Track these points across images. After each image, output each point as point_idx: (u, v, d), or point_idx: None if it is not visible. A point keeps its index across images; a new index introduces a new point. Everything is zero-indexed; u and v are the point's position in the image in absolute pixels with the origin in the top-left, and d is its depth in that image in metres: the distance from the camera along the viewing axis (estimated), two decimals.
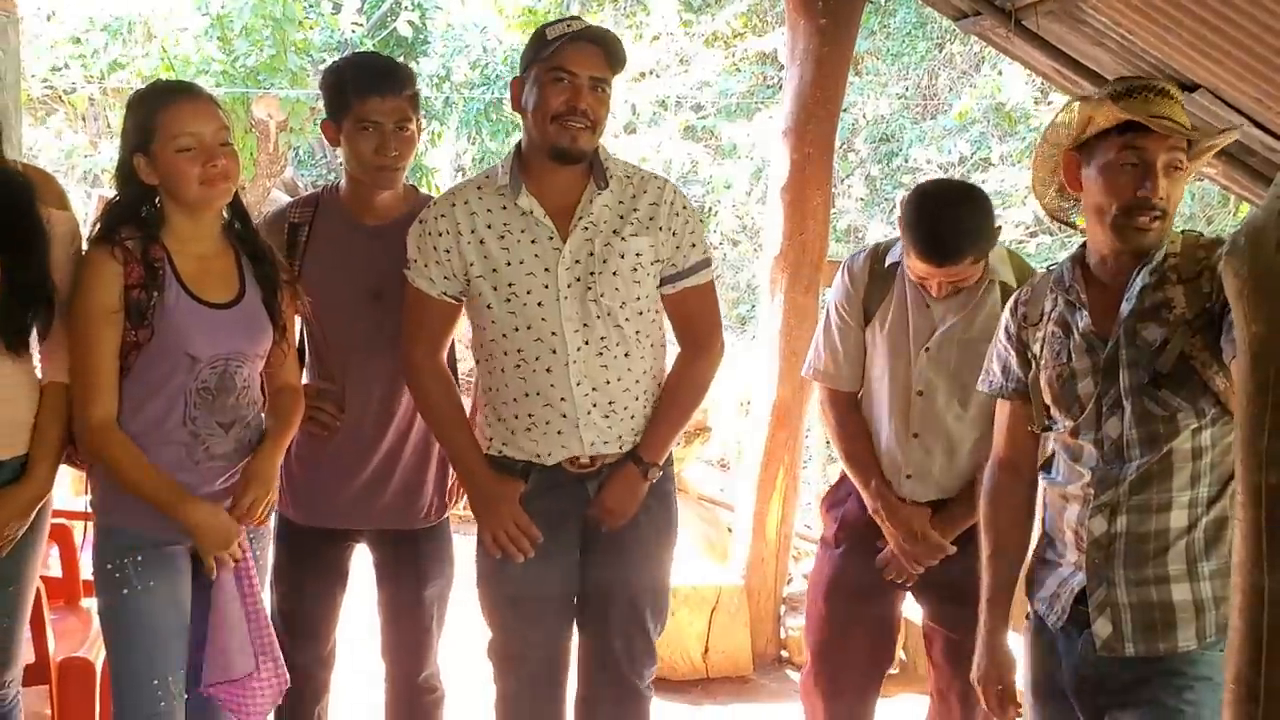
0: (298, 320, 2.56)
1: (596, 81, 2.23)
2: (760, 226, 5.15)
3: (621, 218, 2.32)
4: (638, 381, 2.36)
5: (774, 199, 4.17)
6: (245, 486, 2.21)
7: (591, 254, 2.29)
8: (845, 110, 11.08)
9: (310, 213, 2.54)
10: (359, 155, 2.43)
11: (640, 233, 2.31)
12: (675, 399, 2.42)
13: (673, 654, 3.97)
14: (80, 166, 9.23)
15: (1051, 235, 9.80)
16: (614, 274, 2.29)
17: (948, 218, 2.42)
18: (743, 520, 4.37)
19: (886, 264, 2.62)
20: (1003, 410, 2.19)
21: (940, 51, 11.33)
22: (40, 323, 2.13)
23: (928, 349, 2.53)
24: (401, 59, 9.78)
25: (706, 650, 4.13)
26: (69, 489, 3.85)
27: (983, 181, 10.07)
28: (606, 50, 2.24)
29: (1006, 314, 2.16)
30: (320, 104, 9.14)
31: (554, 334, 2.28)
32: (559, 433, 2.30)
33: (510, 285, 2.27)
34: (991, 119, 10.20)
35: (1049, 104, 9.53)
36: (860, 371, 2.66)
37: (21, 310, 2.09)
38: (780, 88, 4.57)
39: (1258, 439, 1.27)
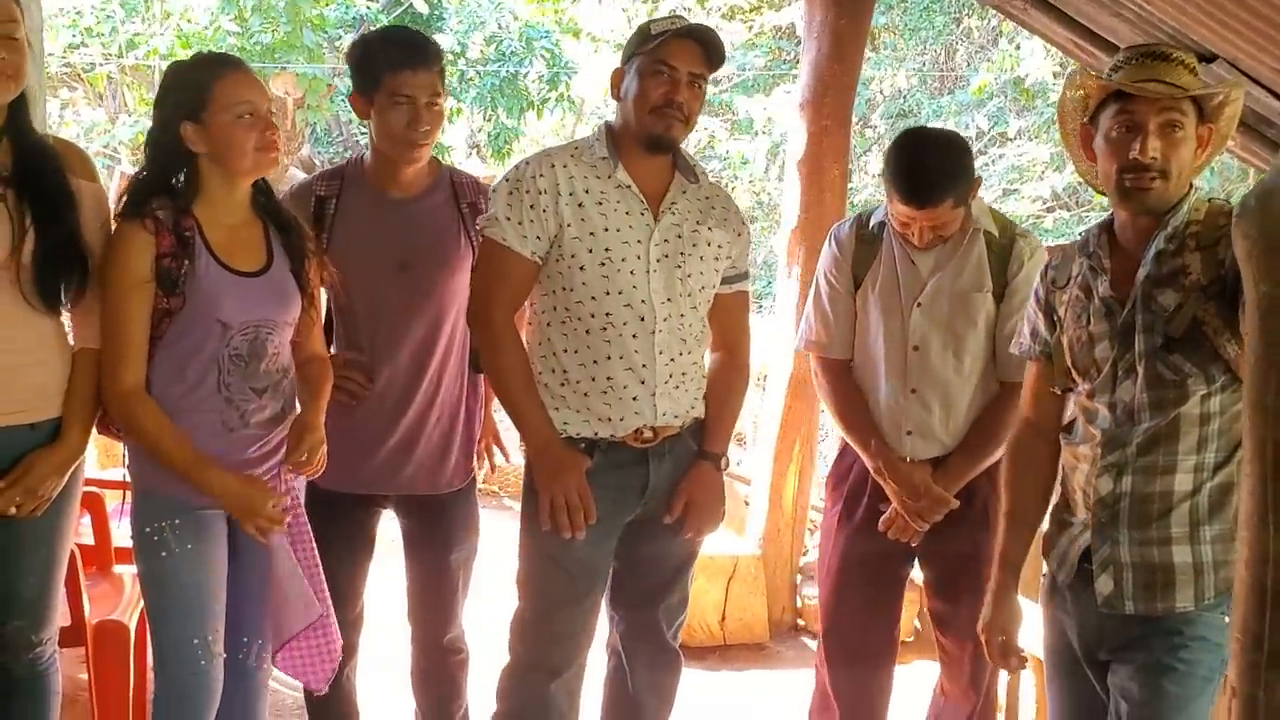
0: (324, 292, 2.61)
1: (695, 77, 2.30)
2: (776, 203, 5.17)
3: (703, 211, 2.43)
4: (696, 363, 2.45)
5: (791, 172, 4.19)
6: (298, 437, 2.26)
7: (680, 237, 2.37)
8: (863, 85, 11.07)
9: (337, 186, 2.58)
10: (391, 129, 2.46)
11: (719, 226, 2.43)
12: (729, 396, 2.52)
13: (690, 621, 4.00)
14: (98, 142, 9.28)
15: (1069, 210, 9.78)
16: (700, 258, 2.39)
17: (928, 162, 2.48)
18: (759, 492, 4.42)
19: (871, 227, 2.67)
20: (1030, 372, 2.24)
21: (958, 26, 11.28)
22: (74, 285, 2.17)
23: (920, 304, 2.58)
24: None
25: (724, 618, 4.20)
26: (98, 459, 3.93)
27: (1000, 156, 10.06)
28: (707, 48, 2.31)
29: (1037, 278, 2.22)
30: (336, 80, 9.12)
31: (643, 302, 2.33)
32: (634, 399, 2.35)
33: (606, 250, 2.32)
34: (1009, 93, 10.15)
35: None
36: (851, 338, 2.70)
37: (54, 271, 2.14)
38: (797, 63, 4.58)
39: (1265, 395, 1.30)
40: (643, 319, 2.33)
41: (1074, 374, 2.09)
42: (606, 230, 2.32)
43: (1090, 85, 1.99)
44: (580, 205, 2.33)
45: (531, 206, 2.31)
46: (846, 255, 2.69)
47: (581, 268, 2.32)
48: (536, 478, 2.36)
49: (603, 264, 2.32)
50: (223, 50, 8.87)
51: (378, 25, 10.26)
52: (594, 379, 2.34)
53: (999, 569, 2.24)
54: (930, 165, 2.48)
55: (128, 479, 2.28)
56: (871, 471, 2.64)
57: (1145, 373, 1.94)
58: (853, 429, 2.68)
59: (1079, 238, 2.15)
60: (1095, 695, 2.08)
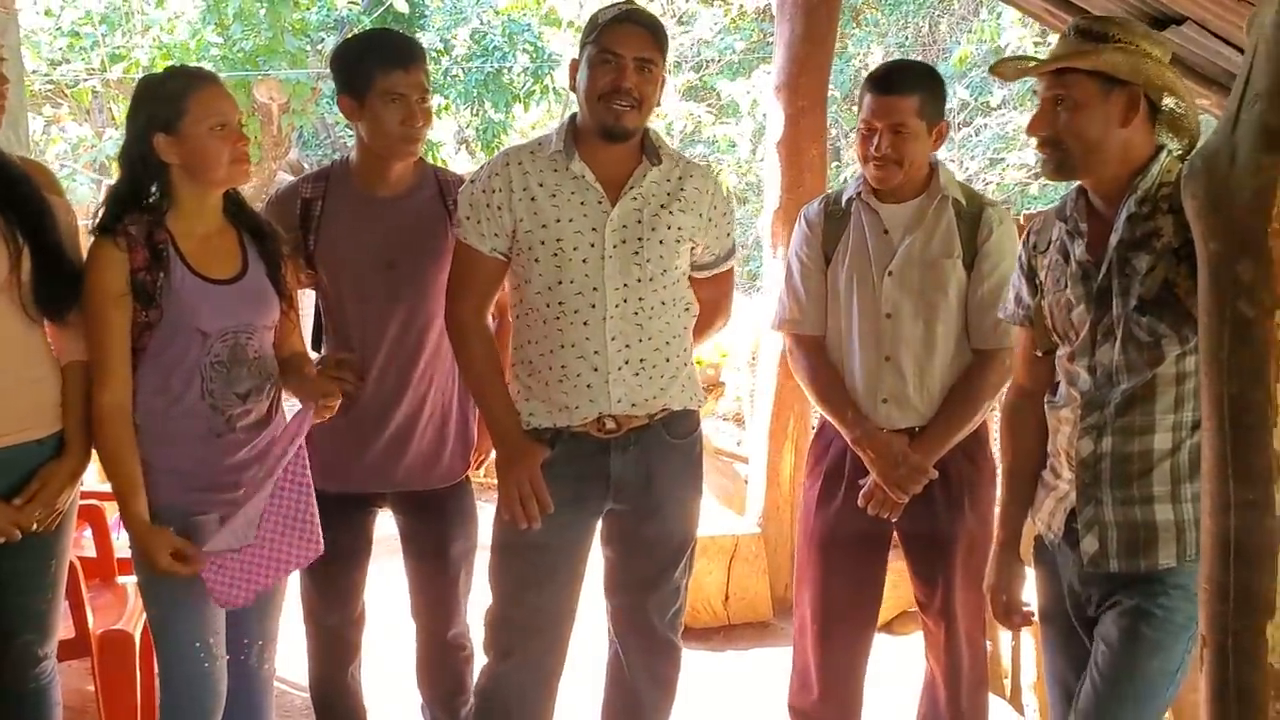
0: (314, 293, 2.65)
1: (643, 62, 2.30)
2: (764, 184, 5.20)
3: (669, 194, 2.43)
4: (668, 344, 2.44)
5: (770, 154, 4.22)
6: (310, 389, 2.37)
7: (640, 221, 2.38)
8: (848, 61, 11.07)
9: (322, 187, 2.61)
10: (385, 128, 2.49)
11: (687, 210, 2.43)
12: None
13: (694, 603, 4.07)
14: (85, 157, 9.31)
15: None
16: (660, 242, 2.39)
17: (900, 63, 2.85)
18: (757, 470, 4.45)
19: (841, 203, 2.71)
20: (1019, 337, 2.27)
21: None
22: (74, 298, 2.21)
23: (890, 272, 2.60)
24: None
25: (727, 598, 4.23)
26: (98, 471, 3.96)
27: (984, 126, 10.07)
28: (653, 31, 2.33)
29: (1020, 247, 2.25)
30: (320, 83, 9.10)
31: (595, 289, 2.36)
32: (588, 386, 2.37)
33: (559, 240, 2.36)
34: (991, 61, 10.16)
35: (1048, 45, 9.48)
36: (824, 315, 2.72)
37: (54, 285, 2.19)
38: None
39: (1218, 350, 1.34)
40: (594, 305, 2.36)
41: (1055, 337, 2.12)
42: (559, 221, 2.36)
43: (1001, 75, 2.09)
44: (533, 199, 2.37)
45: (487, 205, 2.37)
46: (816, 233, 2.72)
47: (536, 260, 2.36)
48: (496, 466, 2.43)
49: (555, 254, 2.35)
50: (205, 60, 8.95)
51: (360, 26, 10.27)
52: (551, 368, 2.38)
53: (1001, 528, 2.29)
54: (901, 65, 2.83)
55: None
56: (850, 443, 2.65)
57: (1122, 334, 1.96)
58: (829, 402, 2.70)
59: (1059, 203, 2.17)
60: (1087, 653, 2.10)
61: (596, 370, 2.37)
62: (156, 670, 2.32)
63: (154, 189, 2.24)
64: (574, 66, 2.39)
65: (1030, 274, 2.18)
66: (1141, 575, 2.00)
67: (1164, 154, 1.98)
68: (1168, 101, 1.93)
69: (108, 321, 2.18)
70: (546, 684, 2.54)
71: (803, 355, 2.76)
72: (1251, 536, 1.34)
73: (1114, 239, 1.97)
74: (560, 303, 2.37)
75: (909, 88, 2.55)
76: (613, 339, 2.37)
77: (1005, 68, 2.05)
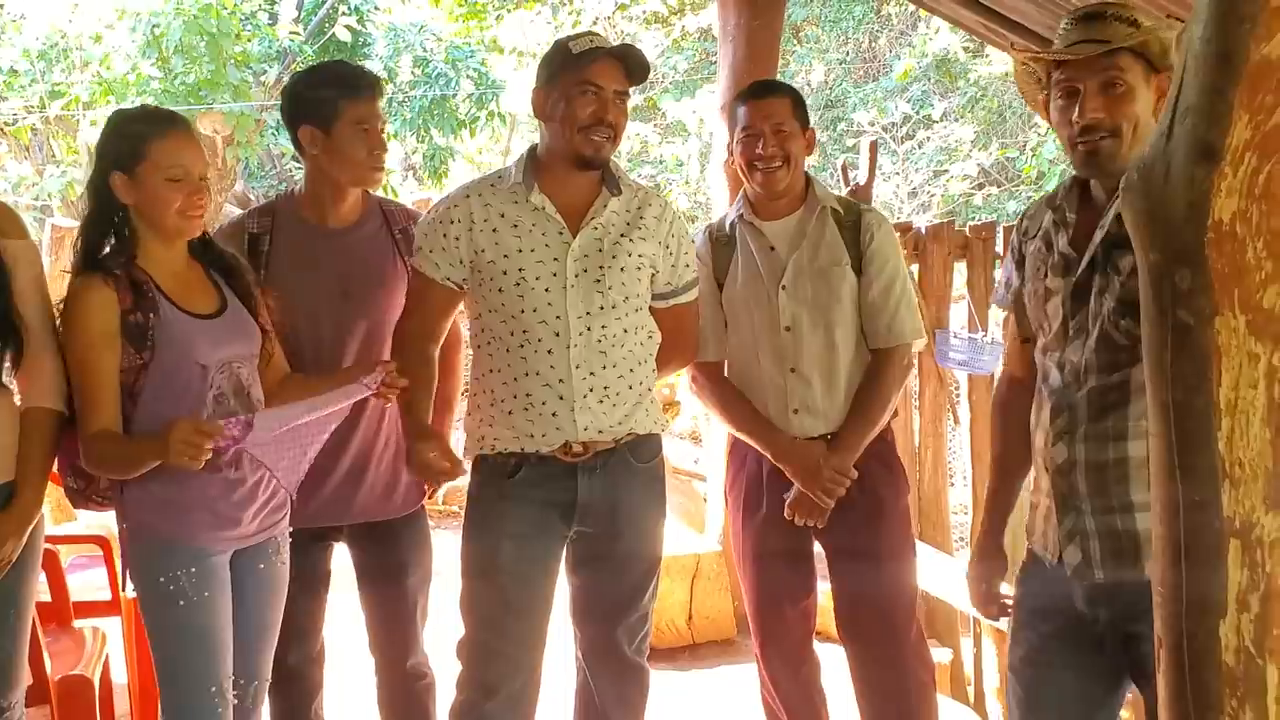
0: None
1: (619, 94, 2.38)
2: (713, 204, 5.25)
3: (629, 223, 2.47)
4: (633, 370, 2.46)
5: (717, 174, 4.26)
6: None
7: (600, 250, 2.42)
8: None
9: (269, 222, 2.60)
10: (352, 158, 2.50)
11: (647, 238, 2.47)
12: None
13: (658, 623, 4.05)
14: (27, 195, 9.18)
15: (999, 186, 9.94)
16: (621, 269, 2.42)
17: (763, 79, 3.00)
18: (716, 488, 4.47)
19: (725, 229, 2.78)
20: (1008, 325, 2.27)
21: (877, 14, 11.44)
22: (12, 351, 2.17)
23: (784, 286, 2.67)
24: None
25: (690, 617, 4.25)
26: (52, 514, 3.90)
27: (927, 139, 10.22)
28: (629, 65, 2.39)
29: (1015, 231, 2.22)
30: (265, 115, 9.04)
31: (558, 318, 2.38)
32: (554, 414, 2.38)
33: (520, 270, 2.38)
34: (933, 76, 10.32)
35: (985, 57, 9.65)
36: (722, 341, 2.77)
37: (6, 333, 2.15)
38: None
39: (1161, 358, 1.37)
40: (558, 334, 2.38)
41: (1033, 326, 2.09)
42: (520, 251, 2.38)
43: (1029, 57, 2.01)
44: (495, 230, 2.39)
45: (444, 235, 2.41)
46: (705, 262, 2.77)
47: (500, 290, 2.39)
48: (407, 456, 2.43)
49: (518, 284, 2.37)
50: (147, 93, 8.87)
51: (303, 57, 10.24)
52: (515, 396, 2.39)
53: (987, 514, 2.27)
54: (766, 79, 3.00)
55: (117, 533, 2.28)
56: (770, 458, 2.69)
57: (1097, 334, 1.92)
58: (741, 422, 2.74)
59: (1051, 190, 2.14)
60: (1081, 677, 2.01)
61: (562, 399, 2.38)
62: (160, 713, 2.27)
63: (119, 224, 2.22)
64: (542, 95, 2.41)
65: (1020, 259, 2.14)
66: (1142, 590, 1.91)
67: None
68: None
69: (98, 361, 2.15)
70: (524, 711, 2.53)
71: (706, 381, 2.79)
72: (1200, 538, 1.37)
73: (1099, 234, 1.93)
74: (524, 331, 2.38)
75: (780, 91, 2.73)
76: (577, 367, 2.38)
77: (1028, 54, 2.00)
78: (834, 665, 2.93)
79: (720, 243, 2.77)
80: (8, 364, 2.20)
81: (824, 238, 2.68)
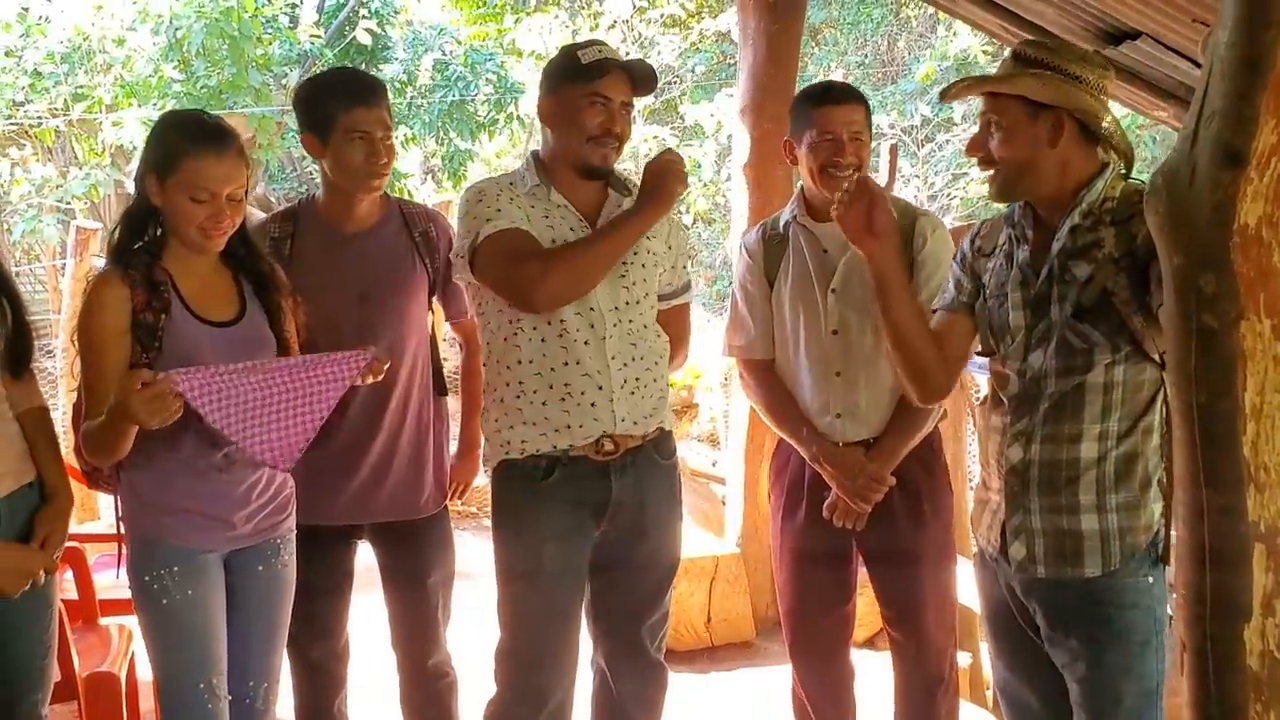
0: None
1: (626, 106, 2.41)
2: (732, 205, 5.27)
3: None
4: (656, 363, 2.50)
5: (737, 177, 4.26)
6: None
7: None
8: (808, 81, 11.17)
9: (290, 227, 2.63)
10: (349, 165, 2.52)
11: (655, 236, 2.49)
12: None
13: (677, 625, 4.07)
14: (51, 197, 9.26)
15: None
16: (642, 266, 2.46)
17: (837, 81, 2.97)
18: (734, 490, 4.47)
19: (782, 226, 2.77)
20: (944, 322, 2.27)
21: (896, 17, 11.43)
22: (31, 353, 2.23)
23: (834, 289, 2.65)
24: (364, 67, 9.82)
25: (709, 619, 4.25)
26: (76, 512, 3.94)
27: (946, 142, 10.20)
28: (635, 77, 2.40)
29: (965, 241, 2.30)
30: (286, 118, 9.11)
31: (592, 309, 2.40)
32: (593, 404, 2.40)
33: None
34: (952, 78, 10.29)
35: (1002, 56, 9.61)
36: (771, 338, 2.78)
37: (24, 344, 2.20)
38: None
39: (1186, 361, 1.38)
40: (593, 326, 2.40)
41: (991, 340, 2.16)
42: (554, 242, 2.39)
43: (952, 98, 2.16)
44: (528, 219, 2.40)
45: (497, 197, 2.40)
46: (758, 260, 2.78)
47: None
48: None
49: None
50: (169, 96, 8.93)
51: (324, 59, 10.29)
52: (551, 387, 2.40)
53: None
54: (840, 82, 2.87)
55: (121, 531, 2.30)
56: (808, 460, 2.69)
57: (1056, 340, 2.01)
58: (784, 423, 2.74)
59: (1008, 210, 2.22)
60: (1041, 658, 2.12)
61: (601, 389, 2.40)
62: (157, 712, 2.30)
63: (153, 222, 2.24)
64: (549, 102, 2.43)
65: (971, 271, 2.23)
66: (1074, 584, 2.02)
67: (1109, 170, 2.03)
68: (1106, 123, 1.99)
69: (106, 357, 2.16)
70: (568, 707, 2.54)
71: (754, 379, 2.80)
72: (1225, 542, 1.37)
73: (1055, 247, 2.02)
74: (562, 321, 2.39)
75: (857, 98, 2.68)
76: (613, 358, 2.41)
77: (948, 91, 2.12)
78: (868, 674, 2.92)
79: (773, 241, 2.76)
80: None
81: None
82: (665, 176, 2.39)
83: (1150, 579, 1.99)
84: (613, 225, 2.39)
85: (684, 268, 2.63)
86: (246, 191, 2.27)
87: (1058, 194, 2.02)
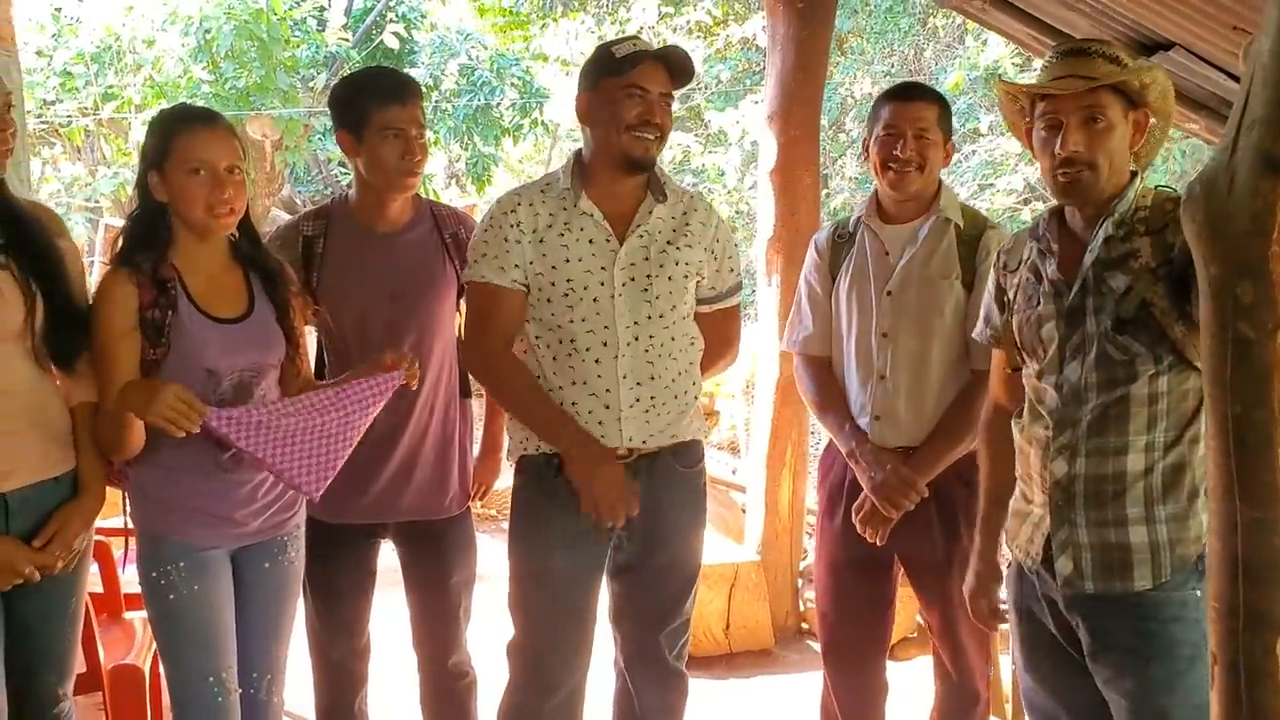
0: (314, 329, 2.67)
1: (664, 96, 2.38)
2: (755, 212, 5.26)
3: (675, 230, 2.46)
4: (675, 380, 2.46)
5: (764, 183, 4.26)
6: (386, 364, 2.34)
7: (647, 259, 2.42)
8: (834, 90, 11.19)
9: (323, 225, 2.65)
10: (383, 163, 2.53)
11: (693, 244, 2.47)
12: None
13: (696, 631, 4.05)
14: (80, 196, 9.34)
15: (1044, 202, 9.85)
16: (669, 278, 2.42)
17: (915, 81, 2.92)
18: (755, 498, 4.47)
19: (851, 225, 2.77)
20: (995, 357, 2.30)
21: (923, 26, 11.39)
22: (80, 346, 2.22)
23: (889, 292, 2.65)
24: None
25: (728, 626, 4.24)
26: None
27: (973, 153, 10.16)
28: (671, 66, 2.38)
29: (993, 263, 2.28)
30: (313, 120, 9.19)
31: (606, 328, 2.38)
32: (600, 423, 2.39)
33: (569, 280, 2.38)
34: (980, 89, 10.26)
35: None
36: (829, 337, 2.78)
37: (67, 333, 2.20)
38: (764, 73, 4.66)
39: (1221, 371, 1.36)
40: (605, 344, 2.38)
41: (1023, 354, 2.14)
42: (568, 261, 2.38)
43: (1014, 89, 2.07)
44: (542, 240, 2.39)
45: (505, 239, 2.39)
46: (825, 258, 2.79)
47: (548, 299, 2.39)
48: (574, 471, 2.36)
49: (566, 294, 2.38)
50: (198, 97, 9.00)
51: (351, 63, 10.35)
52: (560, 403, 2.39)
53: (981, 534, 2.32)
54: (918, 82, 2.86)
55: (130, 526, 2.32)
56: (844, 455, 2.69)
57: (1095, 352, 1.98)
58: (829, 415, 2.74)
59: (1030, 224, 2.20)
60: (1075, 672, 2.09)
61: (609, 408, 2.39)
62: (169, 704, 2.31)
63: (159, 223, 2.25)
64: (586, 100, 2.41)
65: (1000, 293, 2.21)
66: (1121, 599, 1.99)
67: (1138, 178, 2.01)
68: (1153, 127, 1.97)
69: (116, 354, 2.18)
70: (575, 713, 2.54)
71: (809, 373, 2.81)
72: (1259, 554, 1.35)
73: (1089, 258, 2.00)
74: (572, 340, 2.38)
75: (930, 97, 2.67)
76: (624, 377, 2.39)
77: (1013, 86, 2.06)
78: (893, 684, 2.92)
79: (841, 241, 2.77)
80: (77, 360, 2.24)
81: (939, 248, 2.64)
82: (596, 487, 2.34)
83: (1198, 592, 1.93)
84: (532, 415, 2.39)
85: (731, 270, 2.58)
86: (255, 180, 2.29)
87: (1103, 200, 2.00)
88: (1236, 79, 3.54)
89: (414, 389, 2.38)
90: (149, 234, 2.24)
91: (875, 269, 2.68)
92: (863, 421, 2.67)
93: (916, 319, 2.62)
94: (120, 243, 2.25)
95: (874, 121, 2.67)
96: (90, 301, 2.25)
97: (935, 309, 2.63)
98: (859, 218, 2.75)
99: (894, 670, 3.85)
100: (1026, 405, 2.12)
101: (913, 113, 2.61)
